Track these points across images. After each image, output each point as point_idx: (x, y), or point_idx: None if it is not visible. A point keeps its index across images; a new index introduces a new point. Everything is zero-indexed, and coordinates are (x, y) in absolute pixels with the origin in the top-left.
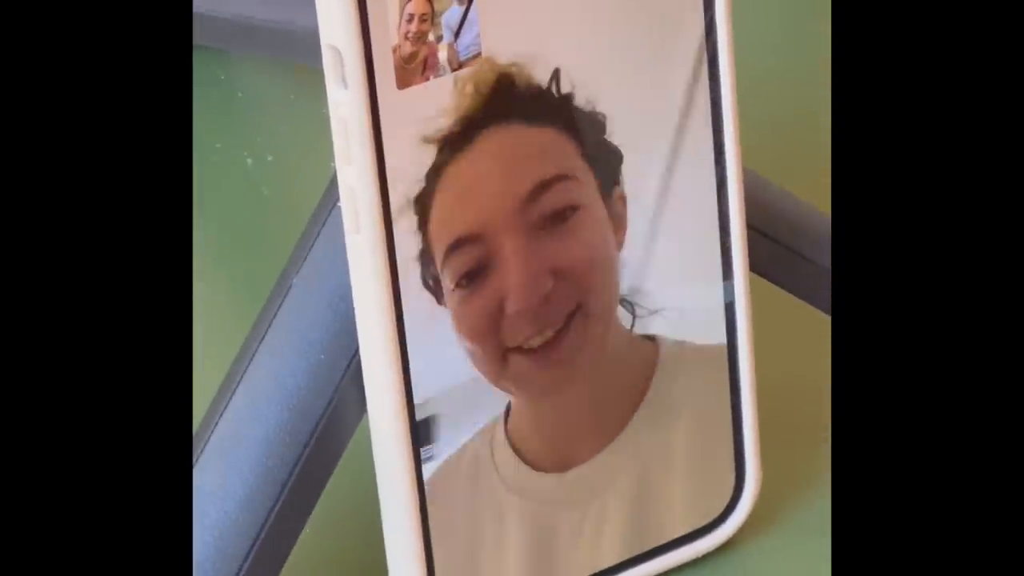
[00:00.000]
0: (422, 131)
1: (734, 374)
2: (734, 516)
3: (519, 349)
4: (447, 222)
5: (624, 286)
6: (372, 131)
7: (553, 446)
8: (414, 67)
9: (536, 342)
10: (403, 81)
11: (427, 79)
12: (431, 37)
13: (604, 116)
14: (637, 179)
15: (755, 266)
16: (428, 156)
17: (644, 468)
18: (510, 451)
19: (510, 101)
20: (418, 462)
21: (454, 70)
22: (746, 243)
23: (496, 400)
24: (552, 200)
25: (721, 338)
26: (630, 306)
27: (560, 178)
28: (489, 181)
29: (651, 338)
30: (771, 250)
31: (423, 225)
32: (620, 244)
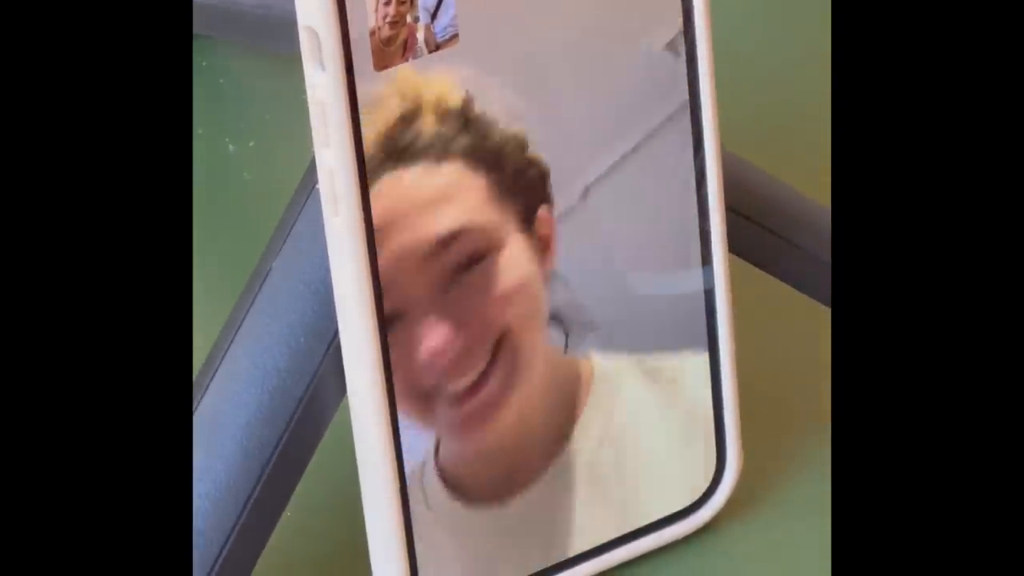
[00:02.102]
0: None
1: (714, 357)
2: (715, 498)
3: (441, 394)
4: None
5: (559, 302)
6: (350, 113)
7: (489, 477)
8: (393, 49)
9: (459, 387)
10: (381, 62)
11: (406, 60)
12: (409, 18)
13: (526, 133)
14: (572, 190)
15: (740, 252)
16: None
17: (602, 470)
18: (443, 491)
19: (414, 138)
20: (398, 445)
21: (431, 51)
22: (725, 228)
23: None
24: (461, 251)
25: (678, 347)
26: (563, 327)
27: (467, 229)
28: (394, 230)
29: (586, 357)
30: (759, 236)
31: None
32: (548, 265)
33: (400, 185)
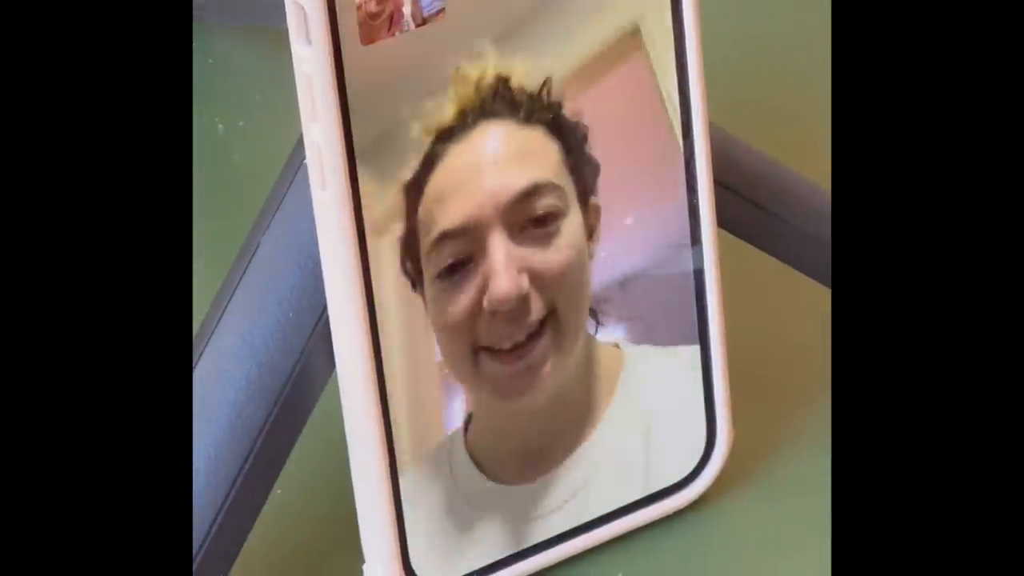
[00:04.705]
0: (419, 121)
1: (704, 337)
2: (705, 473)
3: (490, 349)
4: (437, 212)
5: (592, 295)
6: (337, 87)
7: (518, 457)
8: (380, 23)
9: (507, 344)
10: (368, 37)
11: (392, 35)
12: None
13: (587, 128)
14: (610, 193)
15: (732, 228)
16: (423, 145)
17: (618, 454)
18: (473, 468)
19: (506, 98)
20: (387, 419)
21: (418, 25)
22: (714, 211)
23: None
24: (540, 204)
25: (693, 340)
26: (594, 314)
27: (550, 184)
28: (482, 176)
29: (616, 345)
30: (751, 214)
31: (411, 212)
32: (592, 254)
33: (490, 136)
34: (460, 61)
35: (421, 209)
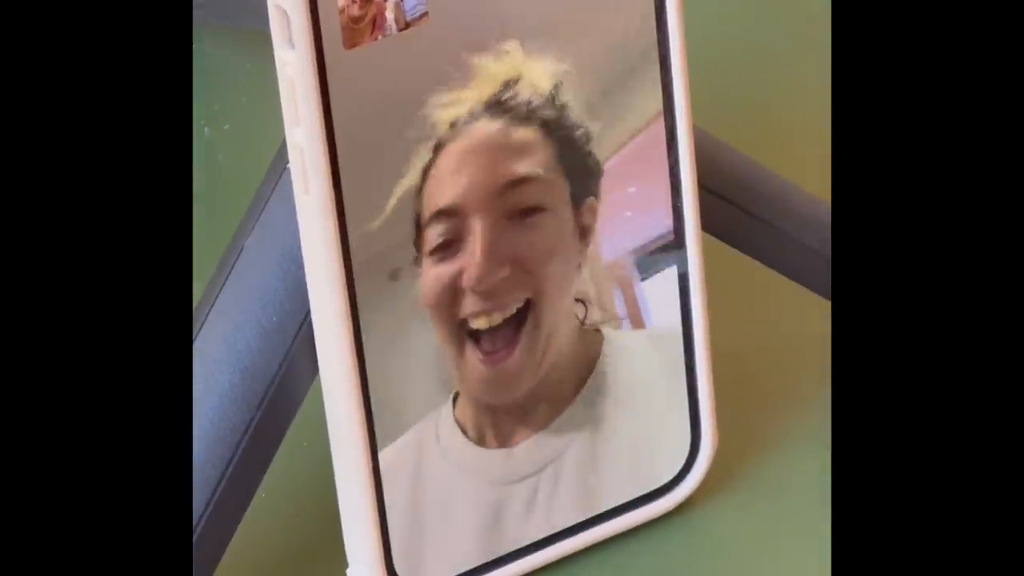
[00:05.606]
0: (439, 112)
1: (688, 339)
2: (690, 478)
3: (471, 332)
4: (435, 193)
5: (585, 289)
6: (319, 91)
7: (499, 424)
8: (362, 27)
9: (483, 323)
10: (351, 41)
11: (375, 39)
12: None
13: (591, 132)
14: (608, 195)
15: (721, 234)
16: (438, 133)
17: (595, 435)
18: (459, 434)
19: (512, 100)
20: (371, 424)
21: (401, 29)
22: (699, 217)
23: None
24: (522, 195)
25: (676, 325)
26: (582, 305)
27: (533, 179)
28: (477, 165)
29: (598, 330)
30: (739, 220)
31: (419, 193)
32: (583, 252)
33: (487, 129)
34: (450, 62)
35: (424, 191)
